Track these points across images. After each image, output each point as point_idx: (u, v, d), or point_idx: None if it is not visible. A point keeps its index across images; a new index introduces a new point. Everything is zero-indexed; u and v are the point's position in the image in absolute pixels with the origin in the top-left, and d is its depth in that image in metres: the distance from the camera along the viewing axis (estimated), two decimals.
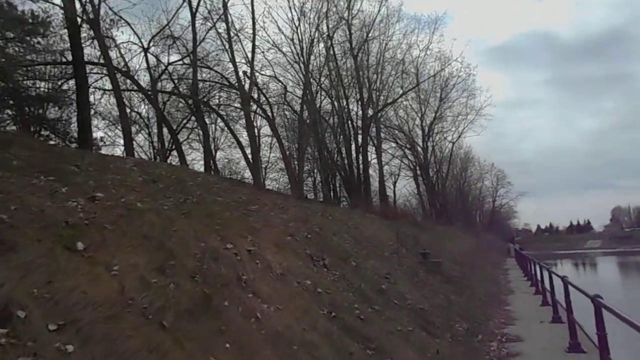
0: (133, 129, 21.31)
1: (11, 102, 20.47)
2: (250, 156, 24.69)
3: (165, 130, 21.61)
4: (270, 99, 28.54)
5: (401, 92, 35.27)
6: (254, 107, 27.81)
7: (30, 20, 20.54)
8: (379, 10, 31.61)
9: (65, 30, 18.92)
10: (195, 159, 33.31)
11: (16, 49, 21.09)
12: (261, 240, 8.49)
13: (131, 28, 21.86)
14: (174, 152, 22.09)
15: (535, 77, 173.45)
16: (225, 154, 34.55)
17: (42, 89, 21.38)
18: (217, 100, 26.91)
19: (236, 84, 24.01)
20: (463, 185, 60.41)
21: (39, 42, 20.81)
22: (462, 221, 54.14)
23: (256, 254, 7.70)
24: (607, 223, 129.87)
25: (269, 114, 27.74)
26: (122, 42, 21.97)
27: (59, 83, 21.18)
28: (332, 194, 32.71)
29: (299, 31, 27.88)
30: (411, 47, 35.10)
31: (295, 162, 26.62)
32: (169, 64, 21.88)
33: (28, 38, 20.82)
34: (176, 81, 22.38)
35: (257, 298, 6.42)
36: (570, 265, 63.16)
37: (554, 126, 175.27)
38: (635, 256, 69.49)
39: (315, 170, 33.52)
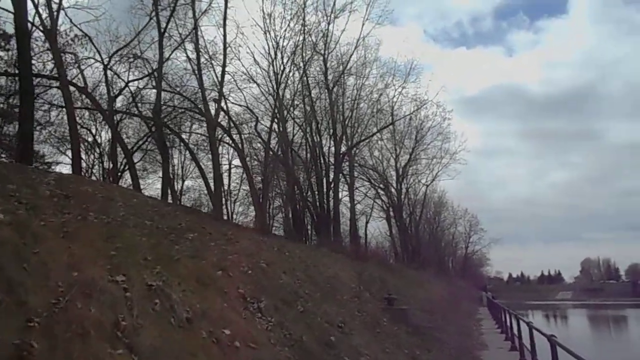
0: (82, 148, 19.27)
1: None
2: (212, 184, 22.73)
3: (119, 151, 19.59)
4: (241, 130, 26.82)
5: (376, 130, 33.76)
6: (221, 134, 26.04)
7: None
8: (356, 47, 30.41)
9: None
10: (157, 187, 31.29)
11: None
12: (176, 274, 6.50)
13: (91, 42, 20.04)
14: (128, 176, 20.05)
15: (507, 128, 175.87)
16: (195, 184, 32.55)
17: None
18: (181, 126, 25.10)
19: (202, 108, 22.24)
20: (436, 230, 58.72)
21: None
22: (434, 266, 52.24)
23: (159, 291, 5.71)
24: (577, 274, 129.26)
25: (239, 144, 25.97)
26: (82, 58, 20.08)
27: (9, 96, 19.30)
28: (301, 231, 30.69)
29: (274, 63, 26.43)
30: (387, 87, 33.79)
31: (260, 195, 24.63)
32: (130, 81, 20.04)
33: None
34: (136, 99, 20.49)
35: (133, 356, 4.40)
36: (541, 316, 61.37)
37: (526, 176, 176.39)
38: (606, 309, 68.20)
39: (288, 207, 31.56)
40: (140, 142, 20.38)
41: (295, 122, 29.63)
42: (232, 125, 26.06)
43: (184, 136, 26.49)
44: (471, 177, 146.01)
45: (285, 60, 26.31)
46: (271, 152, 25.00)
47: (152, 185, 30.78)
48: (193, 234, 10.10)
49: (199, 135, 26.73)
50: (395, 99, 34.72)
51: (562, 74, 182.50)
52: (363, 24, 29.55)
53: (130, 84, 20.71)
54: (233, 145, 26.50)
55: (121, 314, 4.82)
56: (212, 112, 22.90)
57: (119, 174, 18.97)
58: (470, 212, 68.50)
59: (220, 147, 32.10)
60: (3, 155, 19.21)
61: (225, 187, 34.26)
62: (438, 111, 39.92)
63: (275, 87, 26.16)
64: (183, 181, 31.83)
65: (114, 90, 19.68)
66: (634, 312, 64.41)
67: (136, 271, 5.75)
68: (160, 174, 28.50)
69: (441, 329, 15.91)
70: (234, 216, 32.94)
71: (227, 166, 32.89)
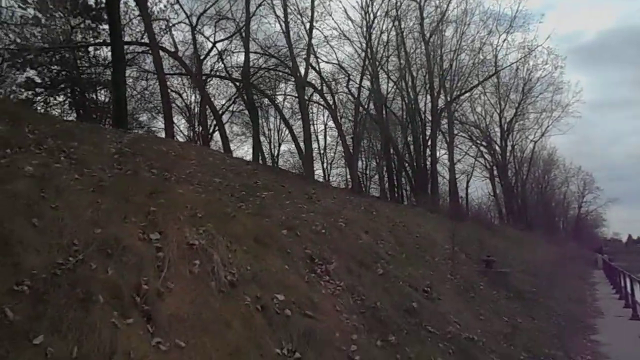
0: (175, 111, 19.37)
1: (66, 86, 19.26)
2: (302, 145, 22.13)
3: (209, 114, 19.44)
4: (333, 90, 25.79)
5: (477, 82, 31.03)
6: (312, 94, 25.26)
7: (94, 6, 19.25)
8: None
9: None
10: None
11: (80, 36, 19.88)
12: (229, 232, 5.74)
13: (179, 3, 19.88)
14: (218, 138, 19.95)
15: (627, 76, 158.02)
16: (291, 148, 32.31)
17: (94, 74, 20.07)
18: (274, 89, 24.66)
19: (290, 66, 21.53)
20: (545, 189, 54.43)
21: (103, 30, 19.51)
22: (543, 227, 48.61)
23: (201, 250, 4.95)
24: None
25: (332, 104, 25.05)
26: (172, 24, 20.00)
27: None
28: (397, 191, 29.42)
29: (366, 16, 24.88)
30: (490, 34, 30.71)
31: (351, 153, 23.66)
32: (217, 41, 19.69)
33: (94, 25, 19.52)
34: (224, 61, 20.17)
35: (148, 326, 3.66)
36: None
37: None
38: None
39: (385, 168, 30.26)
40: (229, 104, 20.07)
41: (389, 78, 28.02)
42: (324, 84, 25.18)
43: (276, 98, 26.27)
44: (586, 132, 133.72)
45: (377, 12, 24.77)
46: (363, 110, 23.72)
47: (248, 151, 31.00)
48: (268, 192, 9.40)
49: (292, 98, 26.26)
50: (499, 48, 31.56)
51: None
52: None
53: (217, 45, 20.44)
54: (325, 105, 25.68)
55: (145, 277, 4.11)
56: (302, 70, 22.16)
57: (210, 136, 18.82)
58: (584, 170, 62.86)
59: (315, 108, 31.69)
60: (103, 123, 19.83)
61: (322, 150, 33.96)
62: (549, 58, 35.97)
63: (367, 41, 24.75)
64: (279, 145, 31.60)
65: (202, 53, 19.46)
66: None
67: (177, 228, 5.02)
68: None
69: (547, 294, 14.18)
70: (330, 178, 32.37)
71: (322, 128, 32.34)
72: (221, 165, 10.53)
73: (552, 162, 54.12)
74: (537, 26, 76.84)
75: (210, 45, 19.56)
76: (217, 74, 20.22)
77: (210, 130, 18.52)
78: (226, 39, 19.73)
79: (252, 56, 21.46)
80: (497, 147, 40.97)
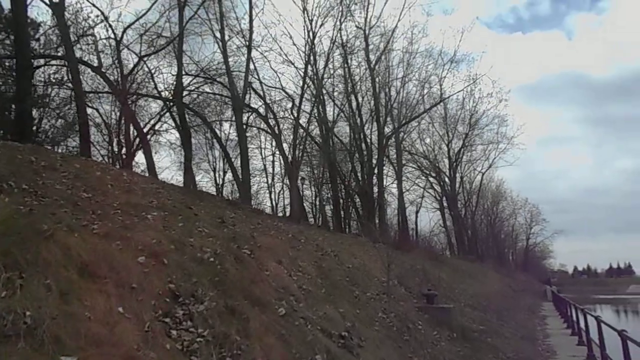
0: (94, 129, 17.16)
1: None
2: (239, 172, 20.20)
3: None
4: (277, 115, 24.09)
5: (423, 110, 29.95)
6: (249, 118, 23.52)
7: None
8: (399, 19, 26.94)
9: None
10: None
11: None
12: (35, 257, 3.76)
13: (102, 13, 17.90)
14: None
15: (568, 115, 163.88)
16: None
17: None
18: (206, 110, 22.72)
19: (228, 87, 19.74)
20: (494, 221, 53.91)
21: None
22: (492, 259, 47.77)
23: None
24: None
25: (275, 130, 23.31)
26: (89, 35, 17.99)
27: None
28: (344, 220, 27.66)
29: (311, 42, 23.50)
30: (437, 65, 29.87)
31: (287, 179, 21.84)
32: (144, 56, 17.71)
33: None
34: (154, 79, 18.23)
35: None
36: (611, 311, 55.41)
37: (591, 165, 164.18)
38: None
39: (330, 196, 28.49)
40: (154, 123, 18.02)
41: (335, 104, 26.58)
42: (268, 110, 23.48)
43: (217, 124, 24.40)
44: (531, 167, 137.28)
45: (322, 37, 23.42)
46: (304, 132, 22.03)
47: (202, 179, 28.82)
48: (161, 212, 7.47)
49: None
50: (444, 78, 30.60)
51: (627, 56, 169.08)
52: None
53: (149, 63, 18.51)
54: (270, 131, 23.94)
55: None
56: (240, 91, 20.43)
57: (132, 157, 16.68)
58: (530, 202, 62.98)
59: (263, 137, 29.95)
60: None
61: (269, 180, 32.10)
62: (494, 91, 35.76)
63: (312, 66, 23.31)
64: (224, 173, 29.56)
65: (127, 68, 17.48)
66: None
67: None
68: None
69: (496, 332, 12.54)
70: (278, 209, 30.43)
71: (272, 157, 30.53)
72: (113, 182, 8.49)
73: (500, 194, 53.93)
74: (479, 63, 77.68)
75: (137, 59, 17.56)
76: (145, 92, 18.20)
77: (133, 150, 16.40)
78: (153, 53, 17.81)
79: (190, 79, 19.73)
80: (446, 179, 40.13)
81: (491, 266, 39.91)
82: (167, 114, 19.35)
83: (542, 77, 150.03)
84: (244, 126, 20.86)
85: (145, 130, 17.72)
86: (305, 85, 21.02)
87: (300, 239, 11.18)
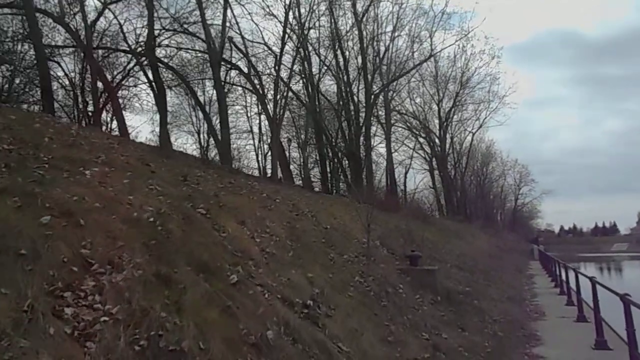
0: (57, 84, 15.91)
1: None
2: (219, 131, 19.06)
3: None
4: (261, 73, 22.71)
5: (412, 65, 28.53)
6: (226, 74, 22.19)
7: None
8: None
9: None
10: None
11: None
12: None
13: None
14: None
15: (559, 75, 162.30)
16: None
17: None
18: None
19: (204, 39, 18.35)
20: (484, 182, 53.23)
21: None
22: (481, 220, 47.31)
23: None
24: (633, 226, 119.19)
25: (259, 89, 21.99)
26: None
27: None
28: (331, 181, 26.69)
29: None
30: (427, 16, 28.22)
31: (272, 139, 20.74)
32: (108, 3, 16.21)
33: None
34: (121, 28, 16.80)
35: None
36: (594, 269, 55.59)
37: (579, 126, 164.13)
38: None
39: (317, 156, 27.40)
40: (123, 77, 16.70)
41: (320, 61, 25.20)
42: (251, 67, 22.12)
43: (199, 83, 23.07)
44: (521, 128, 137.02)
45: None
46: (285, 87, 20.78)
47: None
48: (104, 167, 6.46)
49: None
50: (436, 32, 29.04)
51: (620, 15, 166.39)
52: None
53: (115, 13, 17.03)
54: (253, 89, 22.64)
55: None
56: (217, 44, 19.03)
57: (100, 114, 15.49)
58: (520, 163, 62.37)
59: (249, 98, 28.67)
60: None
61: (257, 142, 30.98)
62: (486, 48, 34.51)
63: (298, 19, 21.88)
64: (209, 136, 28.32)
65: (91, 17, 16.04)
66: None
67: None
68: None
69: (482, 294, 11.79)
70: (267, 172, 29.40)
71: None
72: (53, 136, 7.42)
73: (490, 154, 53.11)
74: (471, 20, 75.52)
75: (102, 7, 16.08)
76: (111, 45, 16.79)
77: (100, 107, 15.19)
78: (119, 0, 16.32)
79: (163, 32, 18.29)
80: (436, 139, 39.11)
81: (479, 226, 39.40)
82: (142, 74, 18.05)
83: (532, 36, 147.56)
84: (223, 83, 19.57)
85: (114, 85, 16.42)
86: (287, 36, 19.60)
87: (276, 198, 10.22)
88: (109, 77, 16.19)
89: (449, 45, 31.71)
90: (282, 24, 19.39)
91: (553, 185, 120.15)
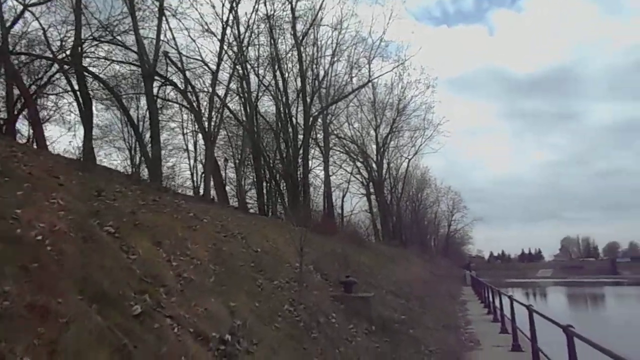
0: None
1: None
2: (149, 147, 17.95)
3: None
4: (196, 89, 21.78)
5: (351, 89, 28.54)
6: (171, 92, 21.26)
7: None
8: None
9: None
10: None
11: None
12: None
13: None
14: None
15: (489, 108, 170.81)
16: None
17: None
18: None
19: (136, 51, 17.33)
20: (419, 208, 54.12)
21: None
22: (416, 245, 47.86)
23: None
24: (556, 253, 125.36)
25: (195, 105, 21.04)
26: None
27: None
28: (268, 203, 25.89)
29: (234, 13, 21.34)
30: (365, 44, 28.44)
31: (206, 157, 19.83)
32: (28, 5, 14.93)
33: None
34: (45, 34, 15.52)
35: None
36: (521, 294, 57.46)
37: (508, 157, 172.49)
38: (584, 287, 64.71)
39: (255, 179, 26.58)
40: (43, 83, 15.31)
41: (259, 81, 24.66)
42: (187, 84, 21.15)
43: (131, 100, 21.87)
44: (453, 157, 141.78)
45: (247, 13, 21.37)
46: (220, 103, 20.02)
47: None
48: None
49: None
50: (374, 59, 29.28)
51: (543, 55, 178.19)
52: None
53: (37, 17, 15.73)
54: (189, 107, 21.66)
55: None
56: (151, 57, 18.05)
57: (14, 122, 14.06)
58: (453, 190, 64.16)
59: (185, 115, 27.65)
60: None
61: (191, 161, 29.88)
62: (422, 78, 35.47)
63: (237, 36, 21.27)
64: (142, 154, 26.94)
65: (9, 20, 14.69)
66: (612, 289, 61.20)
67: None
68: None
69: (418, 322, 11.37)
70: (201, 191, 28.25)
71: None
72: None
73: (425, 181, 54.22)
74: (407, 51, 77.69)
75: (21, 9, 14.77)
76: (32, 51, 15.42)
77: (14, 115, 13.79)
78: (41, 3, 15.09)
79: (91, 41, 17.08)
80: (373, 164, 39.36)
81: (414, 252, 39.72)
82: (66, 83, 16.67)
83: (465, 70, 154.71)
84: (156, 98, 18.53)
85: (32, 93, 15.01)
86: (224, 52, 18.93)
87: (203, 218, 9.41)
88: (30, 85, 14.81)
89: (386, 72, 32.22)
90: (220, 40, 18.68)
91: (484, 213, 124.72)
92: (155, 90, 19.33)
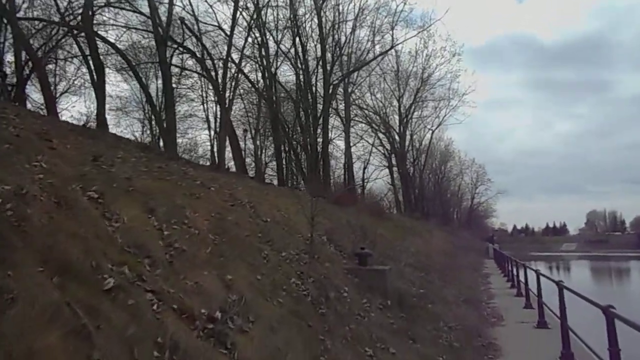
0: None
1: None
2: (164, 115, 17.44)
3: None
4: (214, 58, 21.05)
5: (373, 56, 27.35)
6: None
7: None
8: None
9: None
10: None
11: None
12: None
13: None
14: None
15: (514, 78, 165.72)
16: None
17: None
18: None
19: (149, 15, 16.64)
20: (442, 180, 52.97)
21: None
22: (439, 217, 46.95)
23: None
24: (582, 227, 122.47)
25: (212, 74, 20.35)
26: None
27: None
28: (288, 173, 25.29)
29: None
30: (389, 12, 27.08)
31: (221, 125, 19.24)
32: None
33: None
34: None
35: None
36: (544, 267, 56.29)
37: (532, 128, 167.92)
38: (609, 261, 63.16)
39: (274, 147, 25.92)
40: (49, 49, 14.79)
41: (278, 47, 23.77)
42: (205, 51, 20.44)
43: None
44: (478, 128, 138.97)
45: None
46: (237, 71, 19.32)
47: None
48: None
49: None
50: (398, 24, 27.80)
51: (573, 22, 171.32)
52: None
53: None
54: (206, 75, 20.99)
55: None
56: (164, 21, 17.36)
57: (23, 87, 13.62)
58: (477, 163, 62.59)
59: (205, 85, 26.98)
60: None
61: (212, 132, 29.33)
62: (447, 45, 33.95)
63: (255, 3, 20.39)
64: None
65: None
66: (638, 263, 59.50)
67: None
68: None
69: (438, 296, 10.71)
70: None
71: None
72: None
73: (449, 153, 52.92)
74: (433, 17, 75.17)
75: None
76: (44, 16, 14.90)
77: (23, 80, 13.35)
78: None
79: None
80: (396, 136, 38.29)
81: (436, 224, 38.89)
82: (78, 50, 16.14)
83: (490, 39, 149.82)
84: (169, 65, 17.88)
85: (40, 57, 14.52)
86: (238, 13, 18.08)
87: (211, 186, 8.84)
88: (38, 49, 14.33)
89: (410, 37, 30.78)
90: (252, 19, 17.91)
91: (508, 185, 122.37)
92: (172, 59, 18.77)
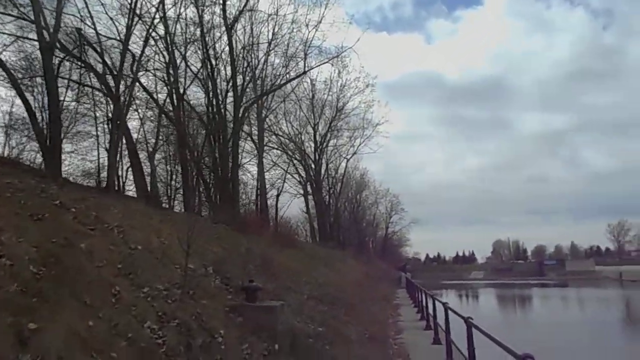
0: None
1: None
2: (45, 130, 15.30)
3: None
4: (120, 76, 19.11)
5: (285, 80, 26.41)
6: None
7: None
8: None
9: None
10: None
11: None
12: None
13: None
14: None
15: (425, 113, 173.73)
16: None
17: None
18: None
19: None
20: (357, 209, 52.88)
21: None
22: (354, 246, 46.54)
23: None
24: (488, 255, 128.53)
25: (115, 93, 18.38)
26: None
27: None
28: (195, 198, 23.47)
29: None
30: (302, 39, 26.45)
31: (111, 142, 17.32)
32: None
33: None
34: None
35: None
36: (454, 296, 57.59)
37: (445, 161, 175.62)
38: (513, 289, 66.35)
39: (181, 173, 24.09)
40: None
41: (188, 67, 22.27)
42: (105, 66, 18.49)
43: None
44: (392, 160, 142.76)
45: None
46: (134, 79, 17.62)
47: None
48: None
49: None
50: (309, 49, 27.22)
51: (477, 64, 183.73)
52: None
53: None
54: (106, 91, 19.00)
55: None
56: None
57: None
58: (392, 192, 63.62)
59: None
60: None
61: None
62: (361, 76, 34.17)
63: (162, 20, 18.91)
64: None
65: None
66: (539, 291, 62.88)
67: None
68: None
69: (339, 334, 9.56)
70: (126, 188, 25.44)
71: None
72: None
73: (364, 183, 53.10)
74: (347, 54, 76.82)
75: None
76: None
77: None
78: None
79: None
80: (311, 163, 37.63)
81: (351, 253, 38.31)
82: None
83: (402, 76, 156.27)
84: (56, 77, 15.83)
85: None
86: (133, 22, 16.53)
87: (71, 207, 7.25)
88: None
89: (324, 63, 29.89)
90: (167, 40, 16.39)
91: (421, 215, 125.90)
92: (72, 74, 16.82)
